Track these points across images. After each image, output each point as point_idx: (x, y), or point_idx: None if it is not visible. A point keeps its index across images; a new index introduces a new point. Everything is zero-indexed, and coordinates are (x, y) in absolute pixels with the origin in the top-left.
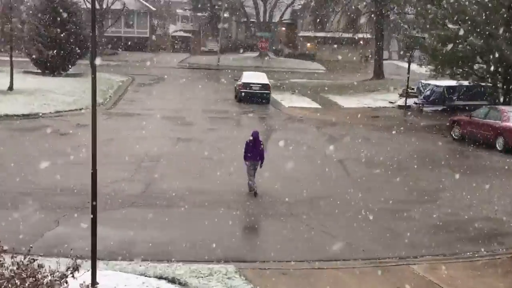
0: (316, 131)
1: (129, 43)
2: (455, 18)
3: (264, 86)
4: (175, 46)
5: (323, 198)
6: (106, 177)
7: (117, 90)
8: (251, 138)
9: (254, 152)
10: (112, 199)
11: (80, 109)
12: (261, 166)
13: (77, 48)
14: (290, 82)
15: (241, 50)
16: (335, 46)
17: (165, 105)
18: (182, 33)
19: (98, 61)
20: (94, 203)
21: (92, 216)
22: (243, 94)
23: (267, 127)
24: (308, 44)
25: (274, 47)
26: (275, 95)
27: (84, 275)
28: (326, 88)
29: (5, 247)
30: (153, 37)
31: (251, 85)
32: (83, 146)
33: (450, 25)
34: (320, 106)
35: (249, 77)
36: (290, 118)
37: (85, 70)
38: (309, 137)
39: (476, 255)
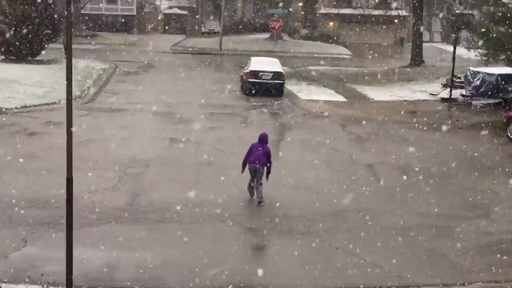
0: (340, 130)
1: (112, 22)
2: None
3: (277, 75)
4: (168, 26)
5: (349, 211)
6: (84, 186)
7: (97, 80)
8: (259, 142)
9: (258, 155)
10: (92, 212)
11: (53, 104)
12: (267, 178)
13: (48, 29)
14: (309, 69)
15: (249, 31)
16: (364, 25)
17: (155, 98)
18: (176, 10)
19: (74, 44)
20: (69, 217)
21: (67, 233)
22: (251, 84)
23: (280, 125)
24: (331, 24)
25: (289, 28)
26: (290, 86)
27: None
28: (353, 77)
29: None
30: (142, 14)
31: (261, 73)
32: (56, 148)
33: (505, 0)
34: (345, 99)
35: (258, 63)
36: (309, 114)
37: (58, 55)
38: (332, 137)
39: None
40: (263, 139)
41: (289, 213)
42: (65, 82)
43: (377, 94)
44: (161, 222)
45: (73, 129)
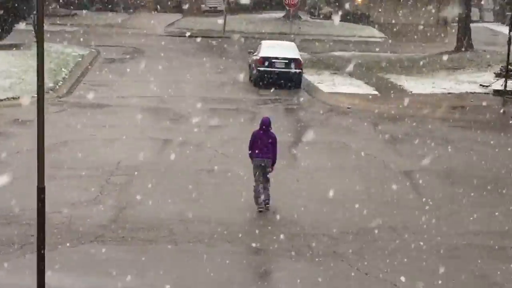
0: (370, 130)
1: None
2: None
3: (293, 62)
4: (160, 4)
5: (381, 229)
6: (59, 198)
7: (74, 68)
8: (261, 130)
9: (263, 146)
10: (68, 230)
11: (20, 98)
12: (272, 169)
13: (15, 6)
14: (332, 56)
15: (259, 9)
16: (400, 2)
17: (145, 90)
18: None
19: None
20: (41, 236)
21: (38, 255)
22: (261, 74)
23: (297, 123)
24: (359, 0)
25: (308, 4)
26: (309, 76)
27: None
28: (386, 65)
29: None
30: None
31: (274, 60)
32: (25, 152)
33: None
34: (376, 92)
35: (270, 48)
36: (332, 110)
37: (27, 39)
38: (360, 139)
39: None
40: (266, 124)
41: (308, 230)
42: (36, 72)
43: (416, 85)
44: (152, 242)
45: (46, 128)
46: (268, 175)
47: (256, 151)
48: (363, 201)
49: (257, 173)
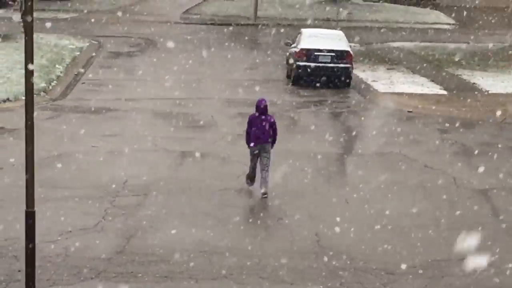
0: (438, 138)
1: None
2: None
3: (341, 56)
4: None
5: (452, 262)
6: (52, 224)
7: (71, 65)
8: (257, 113)
9: (260, 132)
10: (64, 265)
11: (5, 101)
12: (272, 146)
13: None
14: (389, 47)
15: None
16: None
17: (158, 91)
18: None
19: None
20: (30, 272)
21: None
22: (301, 70)
23: (347, 131)
24: None
25: None
26: (360, 72)
27: None
28: (456, 58)
29: None
30: None
31: (317, 53)
32: (11, 168)
33: None
34: (444, 92)
35: (313, 39)
36: (390, 115)
37: (12, 28)
38: (425, 150)
39: None
40: (262, 107)
41: (359, 264)
42: (23, 69)
43: (494, 83)
44: (167, 279)
45: (36, 139)
46: (268, 160)
47: (252, 140)
48: (429, 226)
49: (254, 158)
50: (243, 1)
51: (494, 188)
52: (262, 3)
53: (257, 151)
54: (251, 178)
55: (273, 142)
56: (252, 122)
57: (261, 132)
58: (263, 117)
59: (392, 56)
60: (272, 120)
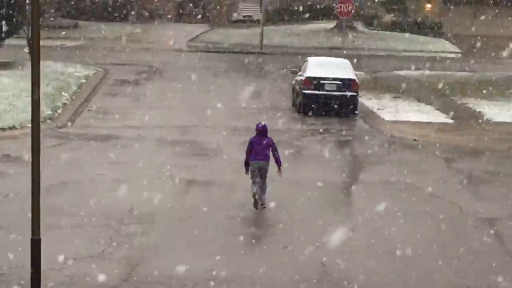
0: (443, 167)
1: (100, 6)
2: None
3: (347, 84)
4: (183, 12)
5: None
6: (58, 252)
7: (77, 92)
8: (257, 135)
9: (260, 150)
10: None
11: (10, 128)
12: (280, 171)
13: (5, 19)
14: (395, 75)
15: (304, 19)
16: (480, 8)
17: (164, 119)
18: None
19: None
20: None
21: None
22: (307, 98)
23: (353, 159)
24: (428, 6)
25: (365, 12)
26: (366, 100)
27: None
28: (462, 87)
29: None
30: None
31: (323, 81)
32: (17, 196)
33: None
34: (450, 120)
35: (319, 67)
36: (395, 143)
37: (19, 55)
38: (431, 179)
39: None
40: (262, 131)
41: None
42: (30, 97)
43: (500, 112)
44: None
45: (42, 166)
46: (265, 177)
47: (254, 155)
48: (434, 256)
49: (254, 175)
50: (249, 29)
51: (501, 217)
52: (267, 32)
53: (259, 166)
54: (255, 199)
55: (278, 161)
56: (252, 142)
57: (261, 149)
58: (262, 138)
59: (398, 84)
60: (271, 140)
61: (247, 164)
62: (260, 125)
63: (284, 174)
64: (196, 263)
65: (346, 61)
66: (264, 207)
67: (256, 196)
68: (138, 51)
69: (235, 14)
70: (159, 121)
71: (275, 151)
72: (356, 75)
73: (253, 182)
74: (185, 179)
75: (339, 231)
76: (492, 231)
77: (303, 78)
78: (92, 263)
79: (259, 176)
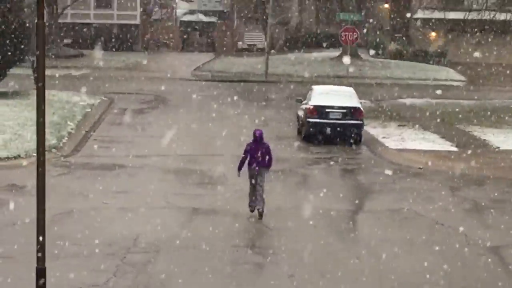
0: (448, 195)
1: (105, 35)
2: None
3: (352, 112)
4: (187, 41)
5: None
6: (63, 281)
7: (82, 121)
8: (254, 142)
9: (257, 156)
10: None
11: (16, 158)
12: (268, 170)
13: (11, 47)
14: (400, 103)
15: (309, 47)
16: (484, 37)
17: (169, 148)
18: (200, 17)
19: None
20: None
21: None
22: (312, 126)
23: (358, 187)
24: (433, 34)
25: (370, 41)
26: (371, 129)
27: None
28: (467, 115)
29: None
30: (149, 23)
31: (328, 110)
32: (22, 225)
33: None
34: (455, 149)
35: (324, 95)
36: (400, 171)
37: (24, 85)
38: (436, 207)
39: None
40: (258, 138)
41: None
42: (35, 126)
43: (505, 140)
44: None
45: (47, 195)
46: (263, 183)
47: (251, 161)
48: (441, 284)
49: (252, 180)
50: (254, 58)
51: (506, 245)
52: (272, 60)
53: (256, 172)
54: (252, 202)
55: (269, 166)
56: (250, 149)
57: (258, 156)
58: (259, 145)
59: (403, 112)
60: (267, 145)
61: (240, 167)
62: (257, 132)
63: (290, 202)
64: None
65: (351, 90)
66: (261, 213)
67: (253, 202)
68: (143, 80)
69: (240, 43)
70: (164, 150)
71: (270, 157)
72: (361, 103)
73: (251, 186)
74: (190, 208)
75: (344, 259)
76: (497, 259)
77: (308, 106)
78: None
79: (257, 179)
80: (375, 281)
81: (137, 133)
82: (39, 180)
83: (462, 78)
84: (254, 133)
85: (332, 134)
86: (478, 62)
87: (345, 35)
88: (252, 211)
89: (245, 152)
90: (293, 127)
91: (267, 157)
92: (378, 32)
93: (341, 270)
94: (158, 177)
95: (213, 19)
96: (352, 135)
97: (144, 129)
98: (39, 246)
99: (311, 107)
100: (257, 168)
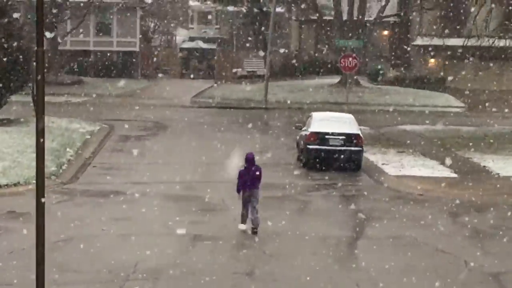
0: (449, 222)
1: (104, 63)
2: None
3: (352, 139)
4: (187, 68)
5: None
6: None
7: (82, 148)
8: (246, 167)
9: (250, 180)
10: None
11: (15, 185)
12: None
13: (11, 74)
14: (399, 130)
15: (309, 74)
16: (484, 63)
17: (169, 175)
18: (199, 44)
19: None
20: None
21: None
22: (312, 153)
23: (357, 214)
24: (432, 61)
25: (369, 67)
26: (370, 155)
27: None
28: (467, 142)
29: None
30: (149, 50)
31: (328, 136)
32: (21, 253)
33: None
34: (455, 175)
35: (323, 122)
36: (400, 198)
37: (24, 112)
38: (436, 233)
39: None
40: (250, 161)
41: None
42: (34, 153)
43: (505, 166)
44: None
45: (47, 222)
46: (256, 203)
47: (244, 186)
48: None
49: (244, 202)
50: (253, 85)
51: (506, 272)
52: (272, 87)
53: (249, 195)
54: (244, 218)
55: (258, 185)
56: (243, 175)
57: (250, 180)
58: (251, 168)
59: (402, 139)
60: (259, 169)
61: (239, 191)
62: (249, 155)
63: (289, 229)
64: None
65: (351, 116)
66: (256, 231)
67: (246, 216)
68: (142, 107)
69: (239, 70)
70: (164, 177)
71: (260, 176)
72: (360, 130)
73: (244, 207)
74: (190, 235)
75: (344, 286)
76: (497, 286)
77: (307, 133)
78: None
79: (251, 202)
80: None
81: (136, 160)
82: (38, 208)
83: (461, 104)
84: (247, 158)
85: (331, 161)
86: (478, 88)
87: (345, 61)
88: (243, 222)
89: (239, 177)
90: (293, 153)
91: (258, 180)
92: (377, 59)
93: None
94: (157, 204)
95: (212, 46)
96: (352, 162)
97: (143, 156)
98: (37, 273)
99: (311, 133)
100: (248, 190)
